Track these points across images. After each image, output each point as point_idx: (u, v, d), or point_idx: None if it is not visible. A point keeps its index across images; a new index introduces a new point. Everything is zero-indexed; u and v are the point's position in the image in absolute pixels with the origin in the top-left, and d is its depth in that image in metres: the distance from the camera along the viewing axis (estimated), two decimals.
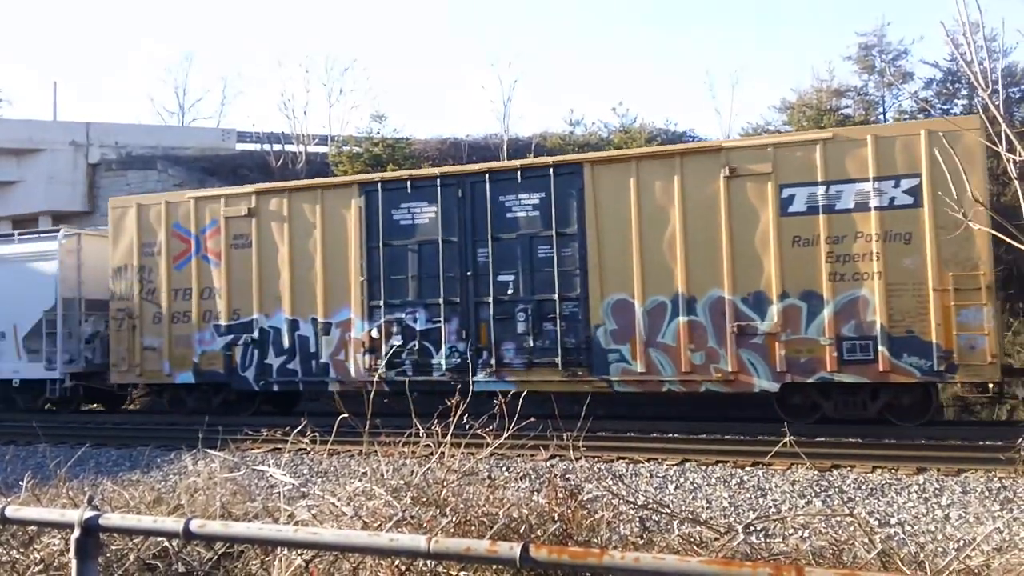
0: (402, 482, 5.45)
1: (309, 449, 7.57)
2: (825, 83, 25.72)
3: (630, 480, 10.29)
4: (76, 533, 3.39)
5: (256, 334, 15.52)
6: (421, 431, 6.09)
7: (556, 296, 13.58)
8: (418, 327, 14.46)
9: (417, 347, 14.46)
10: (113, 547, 5.19)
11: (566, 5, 66.74)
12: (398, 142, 27.80)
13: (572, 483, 5.82)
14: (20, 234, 18.89)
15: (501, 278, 13.94)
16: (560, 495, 5.46)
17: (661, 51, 64.15)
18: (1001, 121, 4.01)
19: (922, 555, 5.42)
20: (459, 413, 6.19)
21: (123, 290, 16.61)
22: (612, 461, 11.10)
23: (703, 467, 10.70)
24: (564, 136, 27.68)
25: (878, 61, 25.72)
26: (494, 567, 4.39)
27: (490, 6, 69.52)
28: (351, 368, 14.82)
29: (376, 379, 10.30)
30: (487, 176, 14.17)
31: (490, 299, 13.96)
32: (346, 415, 6.67)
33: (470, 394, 6.52)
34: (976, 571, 4.97)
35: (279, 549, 4.83)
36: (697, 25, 62.98)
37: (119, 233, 16.74)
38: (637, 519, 5.83)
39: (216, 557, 5.25)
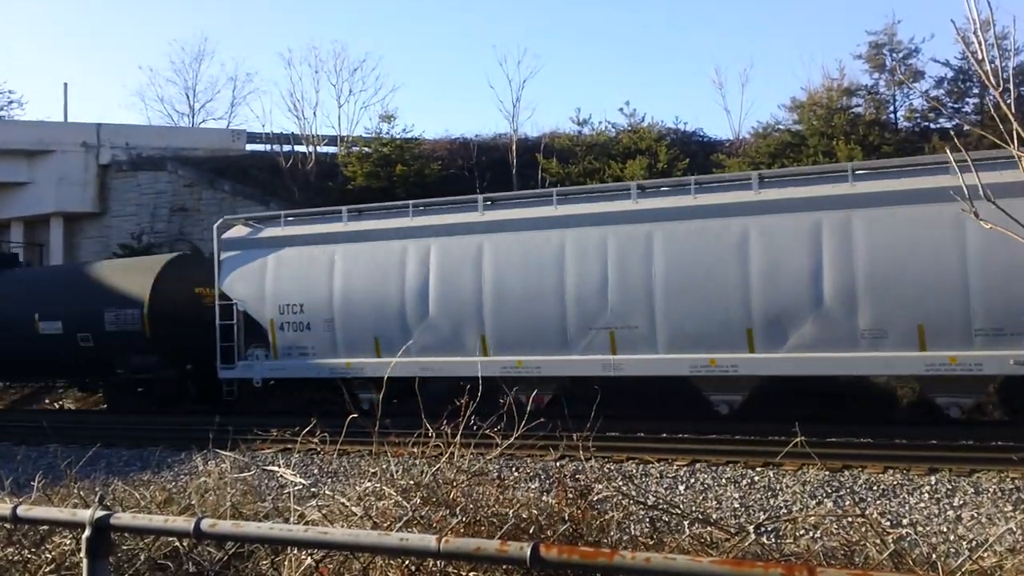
0: (412, 482, 5.44)
1: (319, 449, 7.57)
2: (835, 82, 25.61)
3: (640, 480, 10.28)
4: (87, 533, 3.38)
5: None
6: (430, 431, 6.09)
7: None
8: None
9: None
10: (124, 547, 5.19)
11: (573, 4, 66.75)
12: (407, 142, 27.80)
13: (582, 483, 5.80)
14: None
15: None
16: (570, 495, 5.45)
17: (669, 50, 64.08)
18: (1012, 120, 3.98)
19: (935, 556, 5.39)
20: (468, 413, 6.19)
21: None
22: (622, 461, 11.09)
23: (713, 468, 10.68)
24: (572, 136, 27.64)
25: (889, 60, 25.60)
26: (504, 567, 4.38)
27: (498, 5, 69.58)
28: None
29: None
30: None
31: None
32: (355, 415, 6.67)
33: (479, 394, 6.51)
34: (989, 572, 4.93)
35: (289, 549, 4.82)
36: (706, 24, 62.91)
37: None
38: (647, 520, 5.80)
39: (227, 557, 5.25)
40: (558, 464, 10.01)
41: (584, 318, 14.09)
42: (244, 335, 16.99)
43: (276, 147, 31.03)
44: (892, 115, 25.69)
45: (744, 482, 10.07)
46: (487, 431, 6.29)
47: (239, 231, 17.58)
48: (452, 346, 14.99)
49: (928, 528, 8.37)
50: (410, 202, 16.35)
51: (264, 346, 16.66)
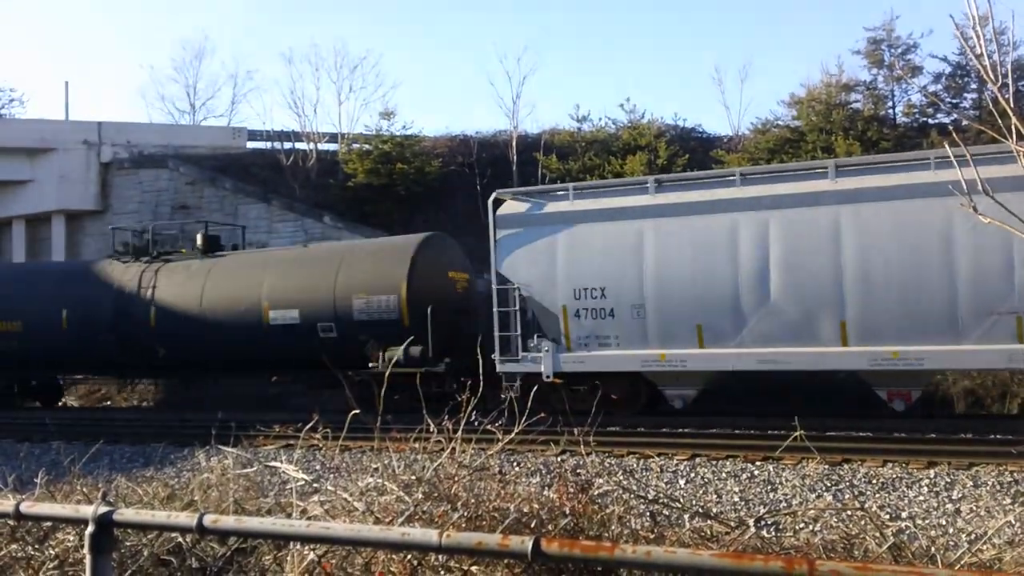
0: (414, 477, 5.47)
1: (321, 445, 7.60)
2: (834, 78, 25.63)
3: (641, 475, 10.30)
4: (90, 529, 3.39)
5: None
6: (432, 427, 6.12)
7: None
8: None
9: None
10: (127, 543, 5.22)
11: (573, 1, 66.67)
12: (407, 139, 27.80)
13: (583, 478, 5.84)
14: None
15: None
16: (571, 490, 5.48)
17: (669, 47, 64.03)
18: (1011, 114, 4.00)
19: (934, 549, 5.42)
20: (469, 409, 6.22)
21: None
22: (622, 456, 11.12)
23: (713, 462, 10.70)
24: (572, 133, 27.63)
25: (887, 55, 25.61)
26: (506, 561, 4.41)
27: (498, 3, 69.52)
28: None
29: None
30: None
31: None
32: (357, 411, 6.70)
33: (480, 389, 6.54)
34: (988, 564, 4.97)
35: (292, 544, 4.85)
36: (705, 20, 62.84)
37: None
38: (648, 514, 5.83)
39: (229, 552, 5.27)
40: (559, 459, 10.05)
41: (981, 301, 12.08)
42: (521, 323, 15.13)
43: (277, 144, 31.02)
44: (890, 111, 25.70)
45: (744, 476, 10.09)
46: (488, 426, 6.32)
47: (515, 207, 15.60)
48: (801, 335, 13.10)
49: (927, 521, 8.40)
50: (737, 169, 14.77)
51: (544, 335, 14.88)
